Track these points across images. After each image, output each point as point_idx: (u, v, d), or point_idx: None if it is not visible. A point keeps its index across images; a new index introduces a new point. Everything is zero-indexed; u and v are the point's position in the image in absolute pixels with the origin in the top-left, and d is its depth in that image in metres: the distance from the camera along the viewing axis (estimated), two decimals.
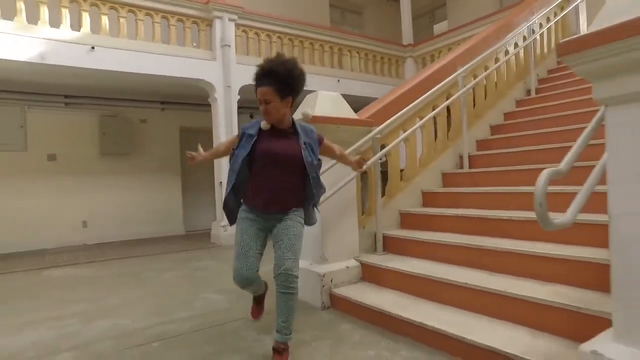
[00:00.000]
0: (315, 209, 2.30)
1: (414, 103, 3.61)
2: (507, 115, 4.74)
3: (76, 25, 5.39)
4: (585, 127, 1.73)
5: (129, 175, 7.62)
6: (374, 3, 11.00)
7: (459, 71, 4.01)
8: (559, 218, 1.45)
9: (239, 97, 6.50)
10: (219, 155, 2.43)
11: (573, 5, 5.79)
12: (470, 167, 4.05)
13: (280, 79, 1.95)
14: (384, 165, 3.65)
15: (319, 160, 2.20)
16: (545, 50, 5.58)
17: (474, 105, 4.50)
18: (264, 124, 2.08)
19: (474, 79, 4.27)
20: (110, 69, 5.51)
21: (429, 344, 2.19)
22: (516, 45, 5.03)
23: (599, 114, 1.70)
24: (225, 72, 6.40)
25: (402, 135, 3.52)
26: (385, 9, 11.14)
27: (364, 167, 2.64)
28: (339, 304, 2.88)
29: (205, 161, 2.28)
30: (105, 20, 5.55)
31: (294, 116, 2.21)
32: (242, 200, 2.20)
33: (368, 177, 3.43)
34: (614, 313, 1.41)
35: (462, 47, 4.56)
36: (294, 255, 2.03)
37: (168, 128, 8.06)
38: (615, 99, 1.40)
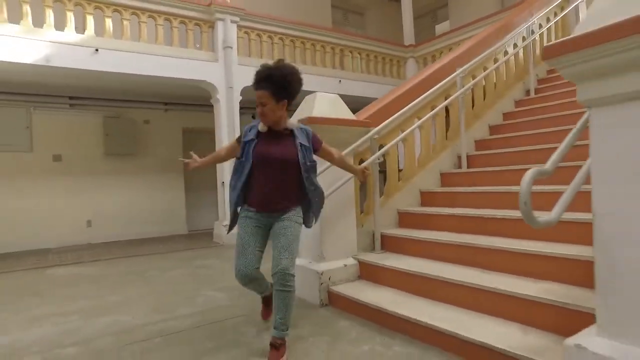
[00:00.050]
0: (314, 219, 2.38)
1: (411, 104, 3.66)
2: (506, 116, 4.78)
3: (80, 28, 5.48)
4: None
5: (133, 176, 7.71)
6: (375, 3, 11.04)
7: (457, 72, 4.05)
8: (544, 216, 1.50)
9: (240, 98, 6.57)
10: (220, 160, 2.52)
11: (573, 5, 5.81)
12: (468, 167, 4.09)
13: (277, 83, 2.05)
14: (383, 165, 3.70)
15: (314, 161, 2.27)
16: None
17: (473, 105, 4.54)
18: (261, 126, 2.17)
19: (473, 80, 4.31)
20: (113, 70, 5.60)
21: (423, 339, 2.24)
22: (515, 45, 5.06)
23: (585, 116, 1.74)
24: (227, 74, 6.48)
25: (400, 136, 3.56)
26: (386, 9, 11.18)
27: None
28: (336, 302, 2.93)
29: (203, 167, 2.38)
30: (108, 22, 5.64)
31: (293, 116, 2.28)
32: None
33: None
34: (597, 308, 1.46)
35: (461, 48, 4.60)
36: (290, 255, 2.10)
37: (171, 129, 8.15)
38: (599, 101, 1.44)
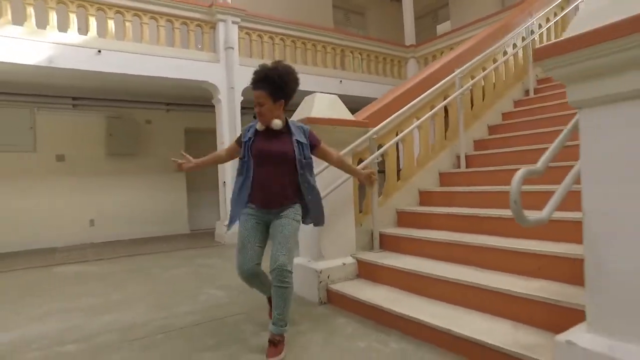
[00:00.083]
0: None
1: (409, 105, 3.69)
2: (505, 116, 4.80)
3: (83, 29, 5.55)
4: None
5: (135, 175, 7.78)
6: (376, 3, 11.06)
7: (455, 73, 4.08)
8: (534, 215, 1.53)
9: (242, 98, 6.62)
10: (221, 160, 2.56)
11: (573, 6, 5.82)
12: (467, 167, 4.11)
13: (273, 84, 2.11)
14: (382, 165, 3.73)
15: (310, 158, 2.32)
16: None
17: (472, 106, 4.57)
18: (259, 125, 2.23)
19: (472, 80, 4.33)
20: (116, 71, 5.66)
21: (418, 336, 2.27)
22: (515, 46, 5.08)
23: (576, 117, 1.77)
24: (229, 74, 6.52)
25: (398, 136, 3.60)
26: (387, 9, 11.20)
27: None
28: (335, 300, 2.97)
29: (199, 167, 2.42)
30: (111, 24, 5.70)
31: (292, 117, 2.33)
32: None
33: None
34: (587, 305, 1.49)
35: (460, 49, 4.62)
36: (287, 252, 2.14)
37: (173, 129, 8.21)
38: (588, 102, 1.48)
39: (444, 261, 2.83)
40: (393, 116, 3.55)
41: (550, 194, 1.66)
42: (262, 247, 2.29)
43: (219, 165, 6.57)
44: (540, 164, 1.62)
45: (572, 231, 2.35)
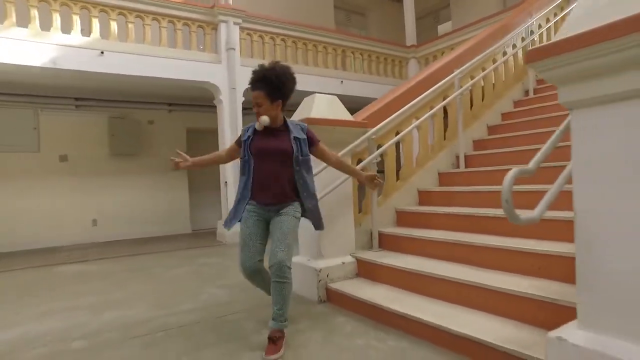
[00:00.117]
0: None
1: (408, 105, 3.72)
2: (504, 116, 4.82)
3: (86, 31, 5.60)
4: None
5: (138, 175, 7.84)
6: (377, 4, 11.09)
7: (454, 73, 4.11)
8: (526, 214, 1.56)
9: (243, 98, 6.66)
10: (221, 161, 2.61)
11: (573, 6, 5.82)
12: (466, 167, 4.14)
13: (271, 84, 2.15)
14: (381, 165, 3.76)
15: (308, 155, 2.36)
16: None
17: (472, 106, 4.59)
18: (257, 125, 2.27)
19: (471, 80, 4.36)
20: (118, 72, 5.71)
21: (416, 334, 2.30)
22: (514, 46, 5.10)
23: (569, 118, 1.79)
24: (230, 75, 6.57)
25: (398, 136, 3.63)
26: (388, 9, 11.23)
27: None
28: (334, 298, 3.00)
29: (197, 167, 2.47)
30: (114, 25, 5.75)
31: (292, 117, 2.37)
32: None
33: None
34: (578, 303, 1.52)
35: (460, 49, 4.65)
36: (286, 248, 2.18)
37: (175, 129, 8.26)
38: (579, 103, 1.50)
39: (443, 260, 2.86)
40: (392, 116, 3.57)
41: (542, 193, 1.69)
42: (264, 245, 2.33)
43: (221, 166, 6.62)
44: (531, 164, 1.65)
45: (569, 230, 2.37)
